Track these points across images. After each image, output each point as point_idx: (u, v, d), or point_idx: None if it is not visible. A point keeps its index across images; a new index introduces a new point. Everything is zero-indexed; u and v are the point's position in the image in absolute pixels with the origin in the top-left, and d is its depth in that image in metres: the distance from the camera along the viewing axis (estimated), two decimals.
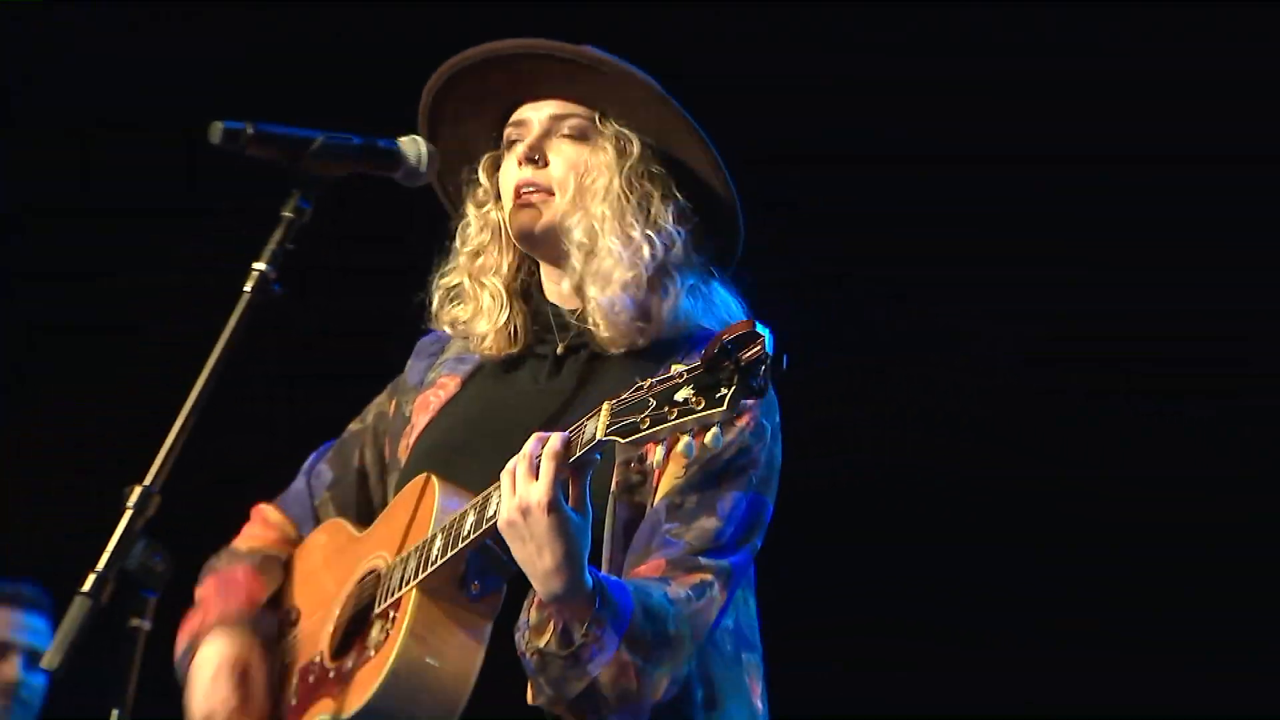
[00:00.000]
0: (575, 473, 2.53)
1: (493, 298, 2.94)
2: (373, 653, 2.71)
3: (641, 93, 2.88)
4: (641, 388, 2.49)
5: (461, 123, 3.00)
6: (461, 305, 2.97)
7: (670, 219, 2.86)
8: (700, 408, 2.41)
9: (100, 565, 2.45)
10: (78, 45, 6.17)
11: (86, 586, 2.44)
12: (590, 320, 2.87)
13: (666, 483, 2.75)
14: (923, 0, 5.70)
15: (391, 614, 2.72)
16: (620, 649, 2.57)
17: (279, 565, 3.03)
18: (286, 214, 2.66)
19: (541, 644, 2.58)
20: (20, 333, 6.32)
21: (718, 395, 2.40)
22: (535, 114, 2.93)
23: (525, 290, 3.00)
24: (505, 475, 2.54)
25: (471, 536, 2.64)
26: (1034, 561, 5.61)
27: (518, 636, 2.62)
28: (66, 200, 6.27)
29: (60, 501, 5.68)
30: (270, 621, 2.97)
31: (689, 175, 2.91)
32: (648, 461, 2.75)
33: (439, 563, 2.68)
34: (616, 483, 2.76)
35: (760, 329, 2.40)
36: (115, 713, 2.45)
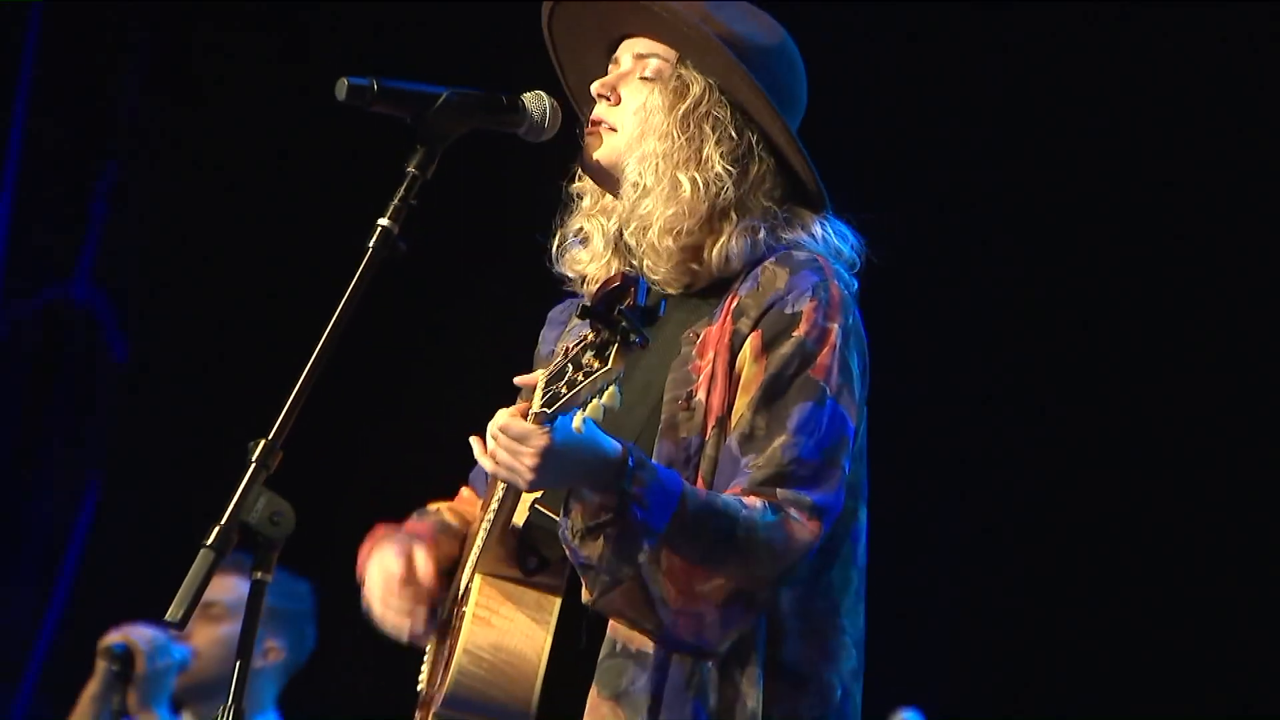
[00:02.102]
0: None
1: (603, 239, 2.90)
2: (455, 640, 2.72)
3: (711, 45, 2.82)
4: (559, 355, 2.51)
5: (579, 58, 2.97)
6: (581, 248, 2.93)
7: (722, 162, 2.79)
8: (596, 369, 2.43)
9: (223, 519, 2.46)
10: None
11: (210, 539, 2.46)
12: (641, 262, 2.83)
13: (736, 413, 2.69)
14: None
15: (465, 600, 2.74)
16: (670, 531, 2.54)
17: (457, 540, 3.01)
18: (411, 170, 2.65)
19: (584, 523, 2.56)
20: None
21: (605, 353, 2.41)
22: (626, 51, 2.90)
23: None
24: (483, 458, 2.58)
25: (503, 508, 2.68)
26: None
27: (562, 536, 2.60)
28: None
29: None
30: (444, 543, 2.97)
31: (753, 121, 2.84)
32: (695, 398, 2.71)
33: (486, 543, 2.71)
34: (663, 420, 2.72)
35: (631, 280, 2.43)
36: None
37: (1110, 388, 5.72)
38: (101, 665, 4.39)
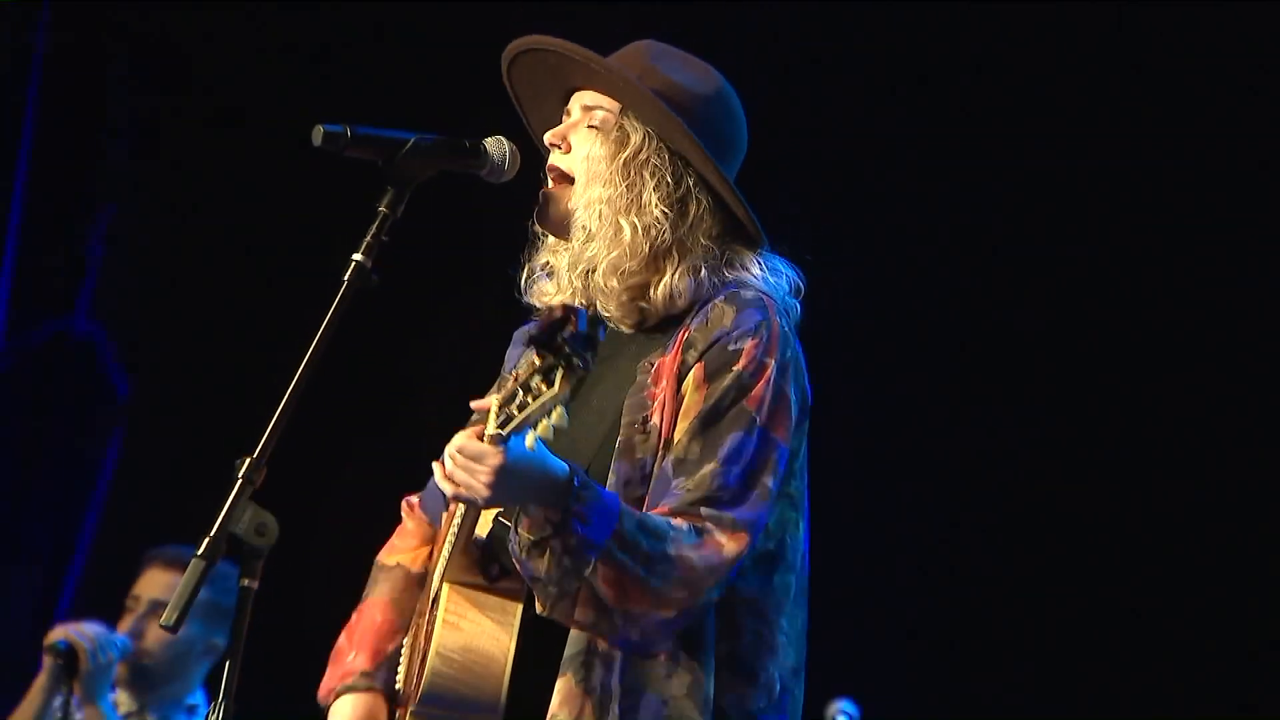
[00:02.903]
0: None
1: (568, 274, 2.91)
2: (427, 643, 2.74)
3: (645, 101, 2.84)
4: (510, 380, 2.54)
5: (539, 106, 2.99)
6: (547, 281, 2.95)
7: (660, 206, 2.80)
8: (543, 392, 2.46)
9: (213, 530, 2.46)
10: None
11: (200, 550, 2.46)
12: (593, 302, 2.84)
13: (676, 436, 2.72)
14: None
15: (435, 608, 2.76)
16: (611, 545, 2.56)
17: (415, 584, 3.02)
18: (382, 209, 2.66)
19: (533, 536, 2.58)
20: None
21: (551, 377, 2.45)
22: (576, 102, 2.92)
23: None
24: (442, 482, 2.60)
25: (466, 521, 2.70)
26: None
27: (511, 550, 2.63)
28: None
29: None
30: (395, 663, 2.98)
31: (691, 166, 2.84)
32: (650, 422, 2.73)
33: (451, 554, 2.73)
34: (619, 442, 2.74)
35: (572, 310, 2.45)
36: None
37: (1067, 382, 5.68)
38: (48, 661, 4.37)
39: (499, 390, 2.62)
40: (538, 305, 2.96)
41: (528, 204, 2.95)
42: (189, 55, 6.40)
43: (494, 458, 2.53)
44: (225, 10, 6.24)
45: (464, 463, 2.55)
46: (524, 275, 2.97)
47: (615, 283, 2.81)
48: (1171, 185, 5.54)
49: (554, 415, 2.45)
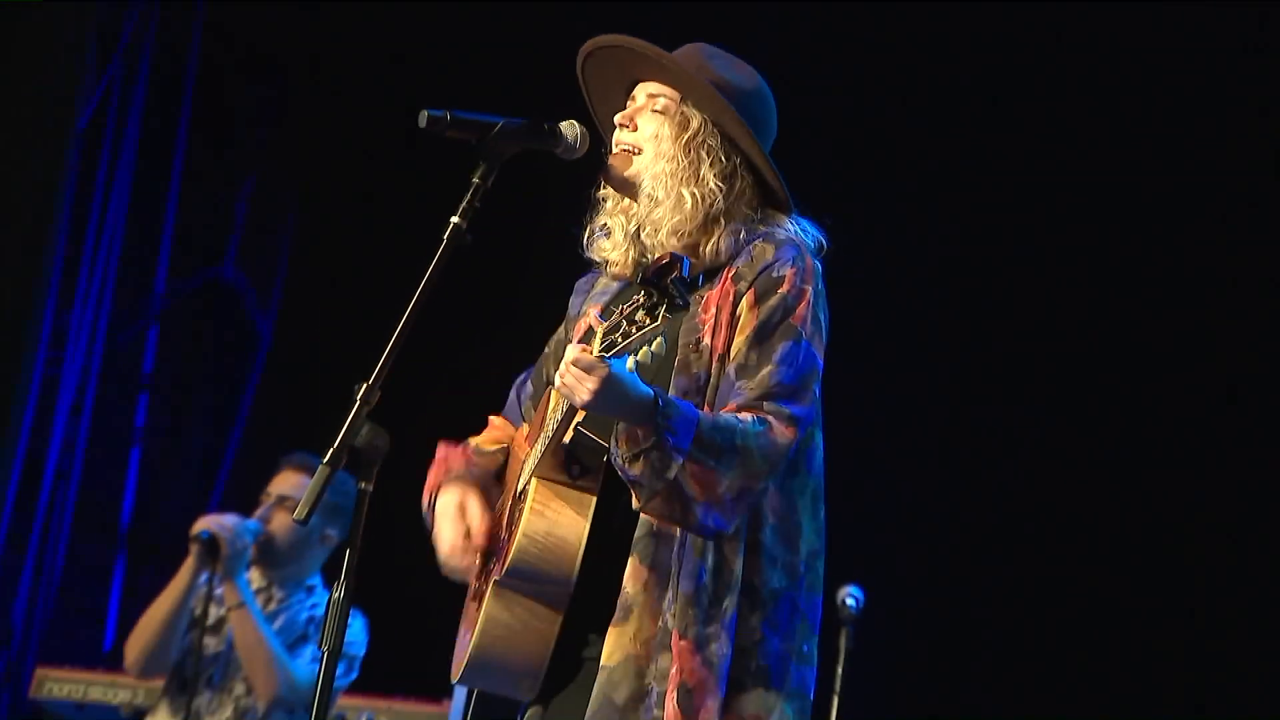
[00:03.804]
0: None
1: (622, 233, 2.93)
2: (516, 528, 2.75)
3: (702, 88, 2.85)
4: (616, 313, 2.55)
5: (604, 89, 2.98)
6: (605, 239, 2.96)
7: (715, 180, 2.82)
8: (647, 324, 2.48)
9: (336, 442, 2.48)
10: None
11: (327, 458, 2.48)
12: (653, 255, 2.85)
13: (735, 349, 2.74)
14: None
15: (524, 498, 2.77)
16: (693, 449, 2.58)
17: (499, 453, 3.05)
18: (475, 180, 2.66)
19: (630, 450, 2.60)
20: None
21: (655, 312, 2.47)
22: (641, 91, 2.93)
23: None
24: (558, 378, 2.60)
25: (558, 429, 2.70)
26: None
27: (615, 462, 2.63)
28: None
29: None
30: (488, 481, 3.00)
31: (737, 147, 2.87)
32: (703, 343, 2.75)
33: (542, 454, 2.74)
34: (678, 361, 2.76)
35: (679, 257, 2.49)
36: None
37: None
38: (194, 547, 4.39)
39: (602, 319, 2.62)
40: (596, 259, 2.97)
41: (589, 177, 2.95)
42: (316, 54, 6.44)
43: (601, 370, 2.54)
44: (335, 13, 6.28)
45: (576, 373, 2.56)
46: (585, 234, 2.98)
47: (675, 241, 2.83)
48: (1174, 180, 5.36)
49: (654, 344, 2.49)
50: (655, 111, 2.88)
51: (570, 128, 2.79)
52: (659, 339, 2.49)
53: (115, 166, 6.27)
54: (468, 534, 2.88)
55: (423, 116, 2.65)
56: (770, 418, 2.67)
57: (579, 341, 2.71)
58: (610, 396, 2.56)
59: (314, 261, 6.50)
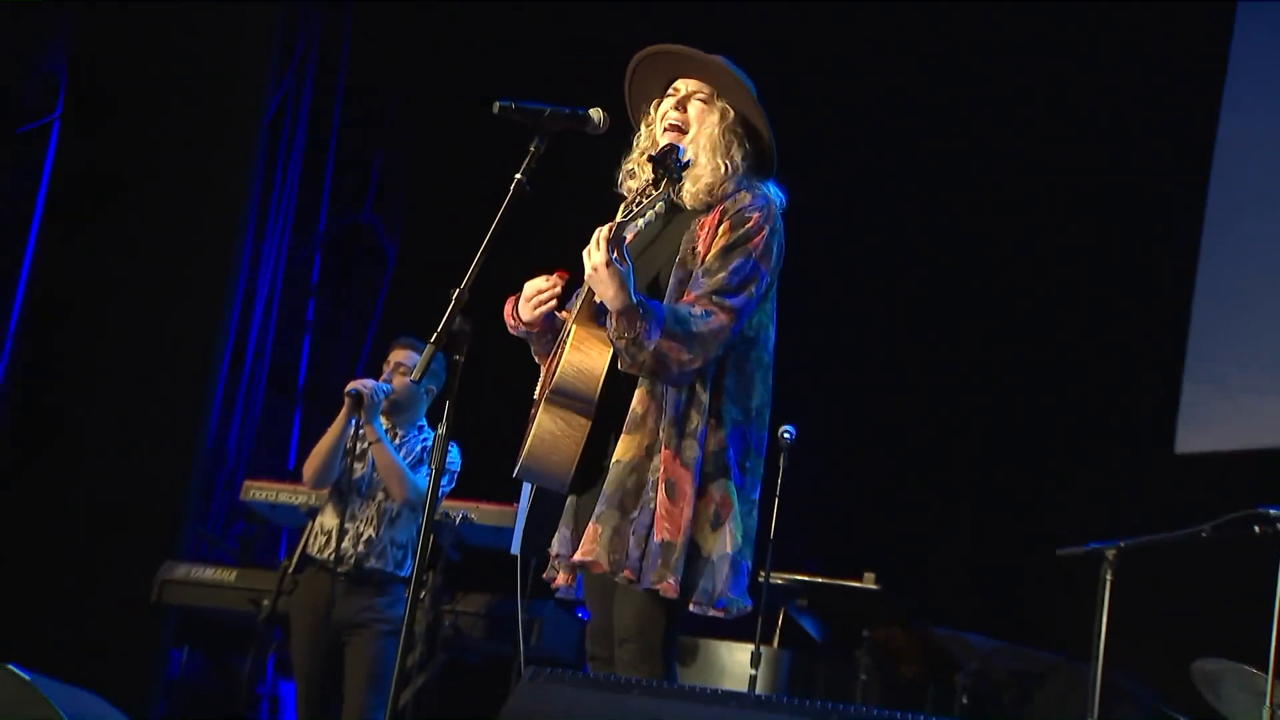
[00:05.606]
0: (616, 245, 2.58)
1: (643, 172, 2.89)
2: (561, 358, 2.74)
3: (734, 85, 2.82)
4: (634, 193, 2.64)
5: (644, 84, 2.94)
6: (631, 180, 2.92)
7: (738, 156, 2.82)
8: (653, 193, 2.62)
9: (438, 328, 2.50)
10: None
11: (432, 339, 2.49)
12: (685, 196, 2.83)
13: (709, 257, 2.74)
14: None
15: (569, 337, 2.76)
16: (663, 333, 2.62)
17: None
18: (532, 148, 2.63)
19: (620, 334, 2.63)
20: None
21: (659, 183, 2.63)
22: (684, 85, 2.88)
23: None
24: (585, 253, 2.61)
25: (589, 291, 2.71)
26: None
27: (609, 335, 2.66)
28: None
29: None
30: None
31: (754, 133, 2.84)
32: (696, 250, 2.74)
33: (580, 306, 2.75)
34: (678, 259, 2.76)
35: (675, 145, 2.66)
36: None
37: None
38: (347, 400, 4.40)
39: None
40: (624, 193, 2.93)
41: (617, 147, 2.90)
42: (428, 46, 6.33)
43: (617, 267, 2.57)
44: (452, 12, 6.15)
45: (599, 242, 2.60)
46: (620, 175, 2.94)
47: (705, 195, 2.81)
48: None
49: (657, 206, 2.55)
50: (700, 100, 2.85)
51: (597, 113, 2.73)
52: (660, 204, 2.57)
53: (292, 145, 6.31)
54: (539, 292, 2.84)
55: (495, 106, 2.63)
56: (714, 308, 2.68)
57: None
58: (611, 277, 2.59)
59: (423, 209, 6.52)
